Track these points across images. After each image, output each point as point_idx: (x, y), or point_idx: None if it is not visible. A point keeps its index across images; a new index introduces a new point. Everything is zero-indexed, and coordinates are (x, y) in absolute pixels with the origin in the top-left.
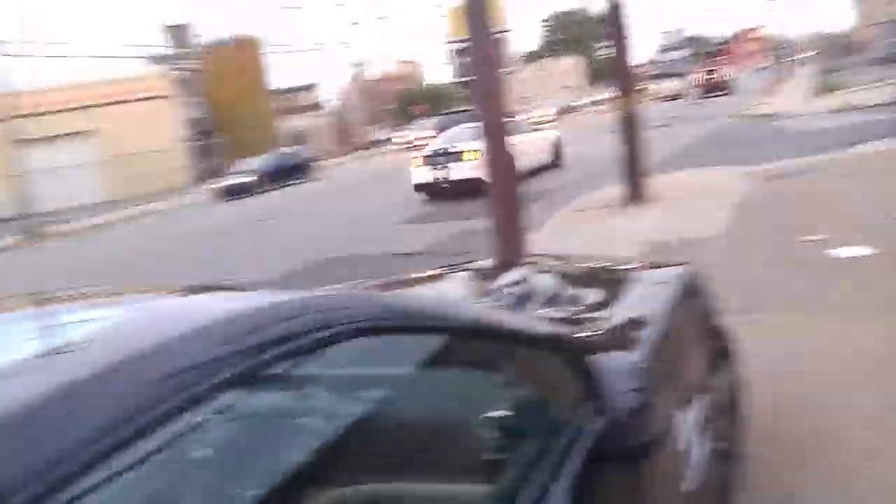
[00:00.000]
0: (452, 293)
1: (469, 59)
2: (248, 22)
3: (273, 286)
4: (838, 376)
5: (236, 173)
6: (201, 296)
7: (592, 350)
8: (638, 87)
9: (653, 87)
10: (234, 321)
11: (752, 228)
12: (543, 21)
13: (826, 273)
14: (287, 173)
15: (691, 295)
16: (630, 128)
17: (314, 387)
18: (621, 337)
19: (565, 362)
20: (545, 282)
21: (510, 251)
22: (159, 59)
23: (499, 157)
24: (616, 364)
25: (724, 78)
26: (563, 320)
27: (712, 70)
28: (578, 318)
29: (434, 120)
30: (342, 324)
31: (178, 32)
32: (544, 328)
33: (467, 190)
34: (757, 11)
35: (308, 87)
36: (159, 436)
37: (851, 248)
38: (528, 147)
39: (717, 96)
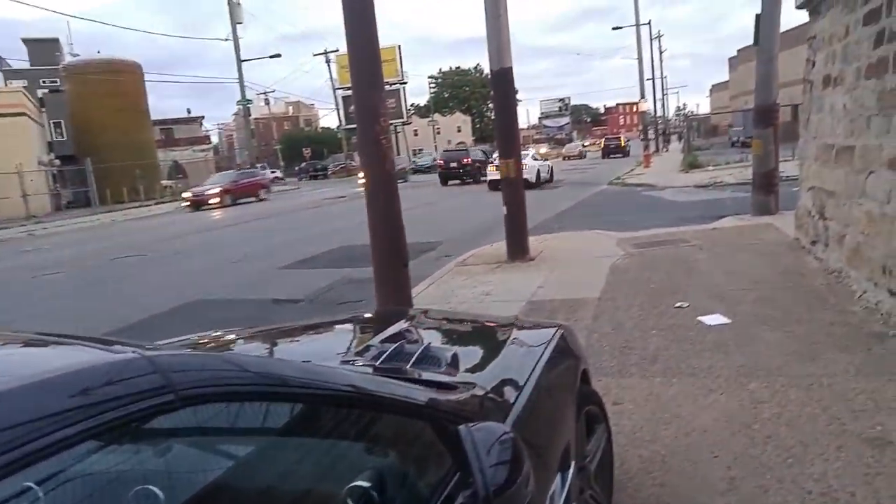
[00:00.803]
0: (325, 348)
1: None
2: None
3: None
4: (702, 441)
5: None
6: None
7: (463, 418)
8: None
9: (548, 149)
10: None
11: (626, 292)
12: (430, 77)
13: (693, 339)
14: None
15: (565, 357)
16: (513, 189)
17: (151, 456)
18: (493, 403)
19: (434, 431)
20: (421, 339)
21: (392, 304)
22: (20, 74)
23: (383, 208)
24: (486, 433)
25: (624, 143)
26: (435, 384)
27: (612, 136)
28: (450, 383)
29: (227, 173)
30: (183, 389)
31: (42, 47)
32: (414, 394)
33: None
34: (631, 88)
35: (194, 120)
36: None
37: (714, 317)
38: (543, 169)
39: (616, 157)
